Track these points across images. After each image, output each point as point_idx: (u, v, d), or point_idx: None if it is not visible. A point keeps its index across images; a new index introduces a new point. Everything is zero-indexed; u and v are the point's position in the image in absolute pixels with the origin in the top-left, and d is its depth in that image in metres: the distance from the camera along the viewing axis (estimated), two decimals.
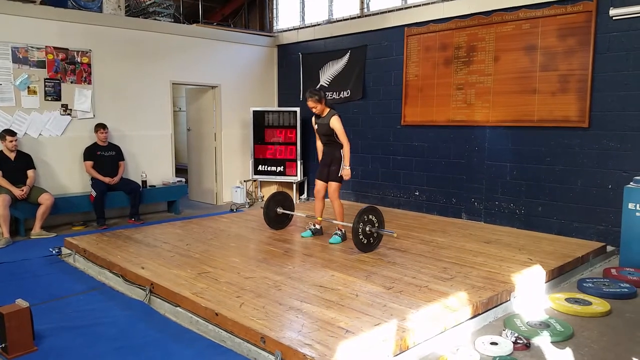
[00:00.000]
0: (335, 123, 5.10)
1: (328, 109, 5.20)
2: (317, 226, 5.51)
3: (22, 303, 3.14)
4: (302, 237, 5.43)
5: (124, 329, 3.45)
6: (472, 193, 6.62)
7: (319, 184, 5.38)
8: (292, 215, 5.76)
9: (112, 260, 4.50)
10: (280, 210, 5.70)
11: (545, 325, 3.40)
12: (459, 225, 6.15)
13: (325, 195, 5.39)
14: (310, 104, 5.14)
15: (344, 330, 3.02)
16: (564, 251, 4.88)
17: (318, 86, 8.39)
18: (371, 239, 4.85)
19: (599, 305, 3.78)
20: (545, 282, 4.24)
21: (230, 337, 3.15)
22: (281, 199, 5.79)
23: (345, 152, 5.15)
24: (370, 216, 4.81)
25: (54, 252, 5.30)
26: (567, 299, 3.89)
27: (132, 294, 4.08)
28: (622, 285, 4.21)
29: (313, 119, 5.33)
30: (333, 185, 5.23)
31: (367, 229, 4.77)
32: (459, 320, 3.35)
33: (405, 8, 7.27)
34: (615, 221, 5.28)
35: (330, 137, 5.19)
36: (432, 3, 6.93)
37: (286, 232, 5.69)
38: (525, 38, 5.99)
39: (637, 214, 4.71)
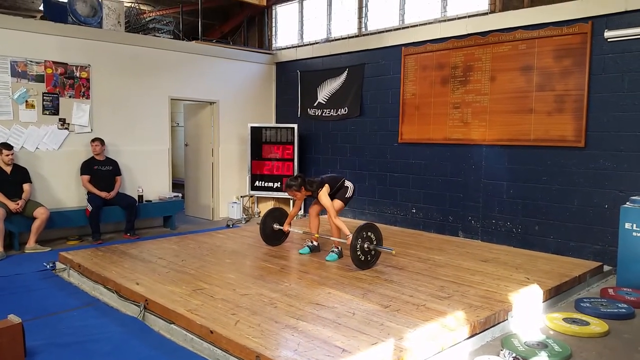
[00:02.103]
0: (323, 197, 5.08)
1: (312, 189, 5.17)
2: (315, 243, 5.49)
3: (14, 319, 3.09)
4: (300, 254, 5.41)
5: (118, 345, 3.40)
6: (469, 211, 6.63)
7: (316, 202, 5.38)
8: (289, 231, 5.74)
9: (106, 276, 4.46)
10: (276, 226, 5.68)
11: (543, 346, 3.38)
12: (456, 244, 6.14)
13: (321, 212, 5.39)
14: (290, 194, 5.26)
15: (341, 349, 2.99)
16: (561, 270, 4.87)
17: (316, 103, 8.44)
18: (369, 256, 4.83)
19: (597, 326, 3.76)
20: (543, 302, 4.22)
21: (225, 355, 3.11)
22: (278, 215, 5.77)
23: (340, 224, 4.99)
24: (369, 233, 4.80)
25: (48, 266, 5.26)
26: (564, 319, 3.87)
27: (127, 310, 4.04)
28: (619, 305, 4.19)
29: None
30: (337, 204, 5.17)
31: (366, 246, 4.76)
32: (457, 339, 3.32)
33: (403, 28, 7.35)
34: (612, 241, 5.28)
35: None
36: (429, 23, 7.03)
37: (282, 249, 5.66)
38: (521, 58, 6.05)
39: (634, 233, 4.71)
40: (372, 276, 4.59)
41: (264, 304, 3.77)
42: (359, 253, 4.73)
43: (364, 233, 4.76)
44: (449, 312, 3.62)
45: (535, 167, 6.00)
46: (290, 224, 5.58)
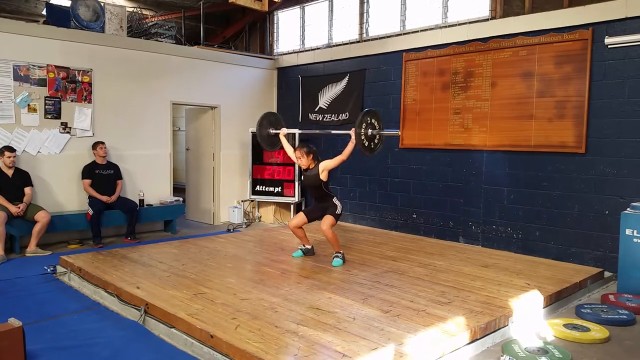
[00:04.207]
0: (324, 163, 5.10)
1: (315, 163, 5.22)
2: (308, 246, 5.50)
3: (14, 322, 3.10)
4: (294, 257, 5.41)
5: (118, 349, 3.40)
6: (469, 216, 6.63)
7: (300, 218, 5.32)
8: (287, 135, 5.70)
9: (107, 280, 4.47)
10: (272, 131, 5.68)
11: (543, 352, 3.37)
12: (456, 249, 6.14)
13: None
14: (297, 153, 5.22)
15: (341, 354, 2.99)
16: (562, 276, 4.87)
17: (317, 108, 8.46)
18: (372, 143, 5.02)
19: (597, 332, 3.75)
20: (543, 308, 4.22)
21: None
22: (274, 121, 5.76)
23: (346, 150, 5.02)
24: (372, 120, 4.97)
25: (49, 270, 5.26)
26: (565, 325, 3.86)
27: (127, 314, 4.04)
28: (620, 311, 4.19)
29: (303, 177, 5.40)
30: (329, 219, 5.12)
31: (370, 132, 4.92)
32: (457, 345, 3.32)
33: (404, 34, 7.38)
34: (613, 247, 5.28)
35: (319, 190, 5.19)
36: (430, 29, 7.05)
37: (283, 254, 5.67)
38: (522, 64, 6.07)
39: (635, 240, 4.71)
40: (373, 281, 4.58)
41: (265, 309, 3.77)
42: (363, 139, 4.87)
43: (367, 119, 4.90)
44: (450, 318, 3.62)
45: (536, 172, 6.01)
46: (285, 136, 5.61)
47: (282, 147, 5.77)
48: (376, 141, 5.05)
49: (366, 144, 4.93)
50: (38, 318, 3.92)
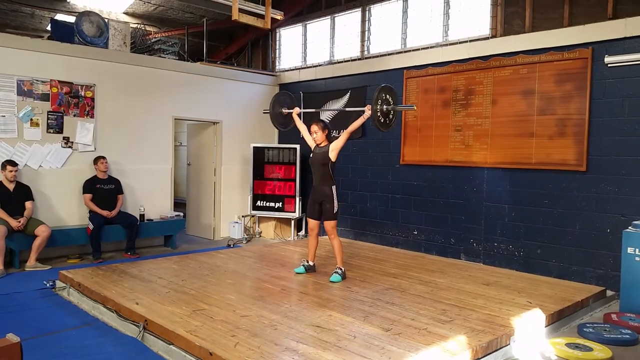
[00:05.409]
0: (334, 143, 5.26)
1: (327, 142, 5.34)
2: (311, 263, 5.49)
3: (12, 338, 3.05)
4: (296, 273, 5.40)
5: None
6: (470, 234, 6.61)
7: (312, 222, 5.43)
8: (300, 113, 5.84)
9: (106, 295, 4.44)
10: (285, 110, 5.84)
11: None
12: (457, 266, 6.11)
13: (320, 233, 5.42)
14: (314, 127, 5.35)
15: None
16: (564, 295, 4.84)
17: None
18: (387, 119, 5.16)
19: (600, 352, 3.72)
20: (545, 327, 4.18)
21: None
22: (288, 102, 5.93)
23: (354, 124, 5.23)
24: (387, 96, 5.09)
25: (48, 285, 5.24)
26: (567, 344, 3.83)
27: (126, 330, 4.01)
28: (623, 331, 4.15)
29: (312, 155, 5.43)
30: (331, 224, 5.27)
31: (385, 108, 5.04)
32: None
33: (405, 52, 7.44)
34: (614, 265, 5.26)
35: (324, 169, 5.27)
36: (430, 47, 7.11)
37: (283, 270, 5.64)
38: (522, 82, 6.11)
39: (637, 258, 4.69)
40: (374, 299, 4.56)
41: (264, 326, 3.74)
42: (379, 116, 5.00)
43: (383, 95, 5.03)
44: (451, 336, 3.59)
45: (537, 190, 6.01)
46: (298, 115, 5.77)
47: (293, 126, 5.95)
48: (391, 116, 5.20)
49: (382, 120, 5.08)
50: (36, 333, 3.89)
